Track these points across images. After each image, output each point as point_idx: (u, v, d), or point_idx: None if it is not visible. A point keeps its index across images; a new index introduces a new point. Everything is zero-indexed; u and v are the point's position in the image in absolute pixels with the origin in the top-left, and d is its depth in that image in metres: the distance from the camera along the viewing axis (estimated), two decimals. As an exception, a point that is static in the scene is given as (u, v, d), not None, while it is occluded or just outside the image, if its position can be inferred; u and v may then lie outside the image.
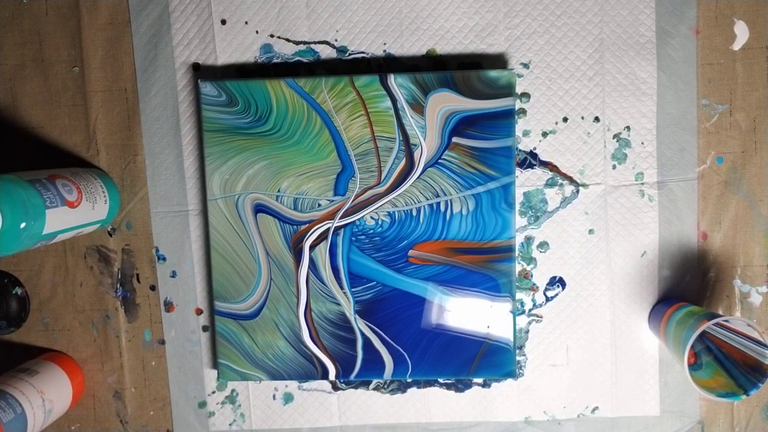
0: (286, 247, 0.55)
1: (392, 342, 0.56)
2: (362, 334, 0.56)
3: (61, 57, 0.57)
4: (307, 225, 0.55)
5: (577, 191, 0.56)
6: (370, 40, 0.56)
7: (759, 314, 0.57)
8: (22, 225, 0.45)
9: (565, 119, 0.56)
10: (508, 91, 0.53)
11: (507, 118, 0.53)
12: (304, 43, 0.56)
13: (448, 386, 0.58)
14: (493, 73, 0.53)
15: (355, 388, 0.59)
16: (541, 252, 0.57)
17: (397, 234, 0.55)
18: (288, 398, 0.59)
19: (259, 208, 0.55)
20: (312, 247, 0.55)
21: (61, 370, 0.57)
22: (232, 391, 0.59)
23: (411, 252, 0.55)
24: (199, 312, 0.59)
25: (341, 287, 0.56)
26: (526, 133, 0.56)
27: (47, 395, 0.53)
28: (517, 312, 0.57)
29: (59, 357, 0.58)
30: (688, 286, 0.57)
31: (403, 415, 0.59)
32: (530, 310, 0.58)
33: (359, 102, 0.54)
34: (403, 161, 0.54)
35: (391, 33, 0.56)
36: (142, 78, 0.57)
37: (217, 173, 0.55)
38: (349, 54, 0.56)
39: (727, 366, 0.51)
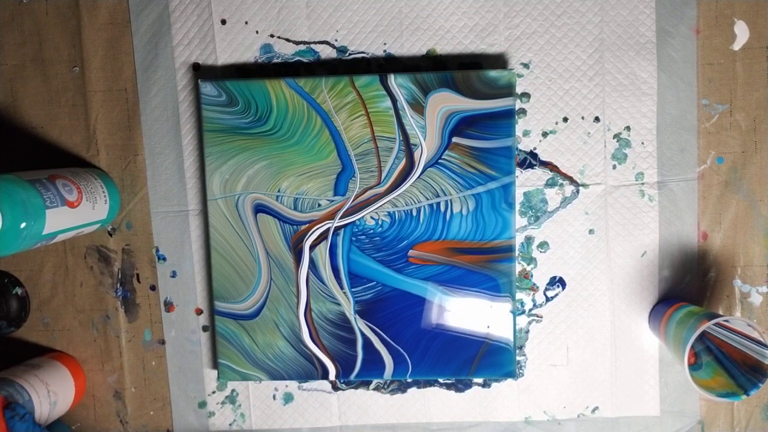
0: (286, 247, 0.55)
1: (392, 342, 0.56)
2: (362, 334, 0.56)
3: (61, 57, 0.57)
4: (307, 225, 0.55)
5: (577, 191, 0.56)
6: (370, 40, 0.56)
7: (759, 314, 0.57)
8: (22, 225, 0.45)
9: (565, 119, 0.56)
10: (508, 91, 0.53)
11: (507, 118, 0.53)
12: (304, 43, 0.56)
13: (448, 386, 0.58)
14: (493, 73, 0.53)
15: (355, 388, 0.59)
16: (541, 252, 0.57)
17: (397, 234, 0.55)
18: (288, 398, 0.59)
19: (259, 208, 0.55)
20: (312, 247, 0.55)
21: (65, 367, 0.57)
22: (232, 391, 0.59)
23: (411, 252, 0.55)
24: (199, 312, 0.59)
25: (341, 287, 0.56)
26: (526, 133, 0.56)
27: (52, 387, 0.54)
28: (517, 312, 0.57)
29: (62, 356, 0.58)
30: (688, 286, 0.57)
31: (403, 415, 0.59)
32: (530, 310, 0.57)
33: (359, 102, 0.54)
34: (403, 161, 0.54)
35: (391, 33, 0.56)
36: (142, 78, 0.57)
37: (217, 173, 0.55)
38: (349, 54, 0.56)
39: (727, 366, 0.51)
